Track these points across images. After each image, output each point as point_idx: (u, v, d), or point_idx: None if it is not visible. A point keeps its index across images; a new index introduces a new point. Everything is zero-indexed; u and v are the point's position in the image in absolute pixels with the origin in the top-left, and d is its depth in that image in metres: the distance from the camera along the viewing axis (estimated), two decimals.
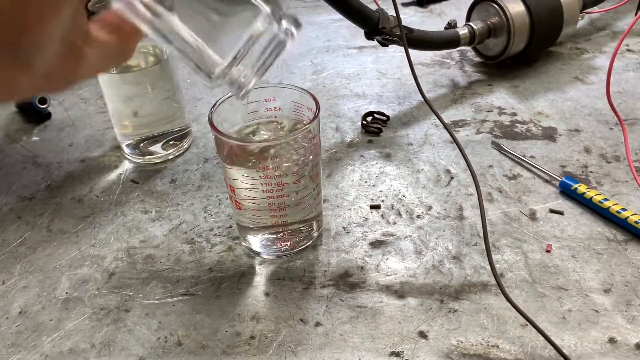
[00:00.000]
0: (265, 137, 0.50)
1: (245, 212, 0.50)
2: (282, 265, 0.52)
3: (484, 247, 0.51)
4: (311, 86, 0.78)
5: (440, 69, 0.79)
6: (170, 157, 0.66)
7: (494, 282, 0.48)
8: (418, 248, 0.52)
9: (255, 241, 0.52)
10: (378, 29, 0.66)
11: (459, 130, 0.67)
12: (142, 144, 0.66)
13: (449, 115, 0.70)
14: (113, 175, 0.65)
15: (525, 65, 0.78)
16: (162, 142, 0.66)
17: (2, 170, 0.65)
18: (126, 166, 0.66)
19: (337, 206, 0.58)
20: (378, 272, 0.50)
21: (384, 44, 0.68)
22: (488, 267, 0.49)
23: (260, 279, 0.51)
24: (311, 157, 0.48)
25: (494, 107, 0.71)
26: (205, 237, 0.56)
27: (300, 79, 0.80)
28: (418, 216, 0.56)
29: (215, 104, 0.48)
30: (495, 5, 0.72)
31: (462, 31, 0.73)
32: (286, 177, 0.47)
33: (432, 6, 0.99)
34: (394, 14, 0.64)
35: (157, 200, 0.61)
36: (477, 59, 0.80)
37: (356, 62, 0.83)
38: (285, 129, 0.50)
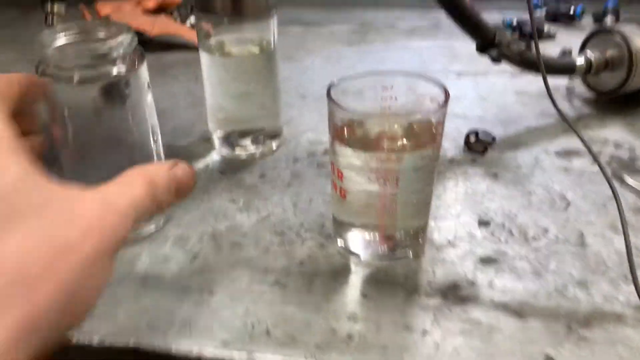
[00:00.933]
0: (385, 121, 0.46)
1: (349, 203, 0.45)
2: (381, 268, 0.47)
3: (613, 277, 0.45)
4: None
5: (545, 100, 0.74)
6: (258, 155, 0.63)
7: (630, 313, 0.41)
8: (536, 269, 0.46)
9: (354, 239, 0.48)
10: (493, 42, 0.62)
11: (571, 160, 0.62)
12: (232, 136, 0.64)
13: (559, 145, 0.64)
14: (200, 164, 0.62)
15: (638, 104, 0.73)
16: (252, 137, 0.64)
17: None
18: (214, 157, 0.64)
19: (441, 218, 0.53)
20: (492, 288, 0.45)
21: (496, 59, 0.64)
22: (621, 297, 0.43)
23: (356, 278, 0.46)
24: (433, 152, 0.44)
25: (608, 141, 0.65)
26: (296, 231, 0.51)
27: None
28: (533, 237, 0.50)
29: (333, 83, 0.44)
30: (617, 37, 0.68)
31: (579, 60, 0.69)
32: (405, 170, 0.42)
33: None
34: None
35: (245, 192, 0.57)
36: (586, 94, 0.75)
37: (455, 86, 0.79)
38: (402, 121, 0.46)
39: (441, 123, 0.43)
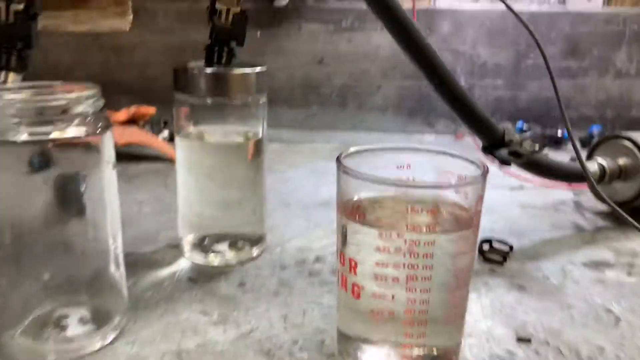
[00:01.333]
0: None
1: (363, 308, 0.35)
2: None
3: None
4: None
5: (555, 213, 0.68)
6: (234, 261, 0.53)
7: None
8: None
9: (369, 354, 0.36)
10: (502, 143, 0.56)
11: (603, 271, 0.53)
12: (206, 240, 0.54)
13: (584, 256, 0.56)
14: (165, 272, 0.51)
15: None
16: (229, 242, 0.54)
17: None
18: (183, 264, 0.53)
19: (469, 334, 0.42)
20: None
21: (505, 161, 0.58)
22: None
23: None
24: (472, 235, 0.35)
25: (637, 253, 0.57)
26: (288, 350, 0.40)
27: None
28: (589, 357, 0.40)
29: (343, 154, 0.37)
30: (629, 144, 0.63)
31: (592, 166, 0.63)
32: (438, 257, 0.33)
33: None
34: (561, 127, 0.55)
35: (220, 302, 0.46)
36: (596, 207, 0.69)
37: None
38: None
39: (479, 197, 0.35)
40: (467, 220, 0.34)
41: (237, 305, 0.45)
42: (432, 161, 0.39)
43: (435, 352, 0.36)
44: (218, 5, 0.50)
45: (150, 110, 0.91)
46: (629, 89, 1.02)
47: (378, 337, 0.36)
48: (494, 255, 0.55)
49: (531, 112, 1.03)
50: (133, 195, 0.71)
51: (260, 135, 0.53)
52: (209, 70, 0.49)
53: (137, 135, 0.85)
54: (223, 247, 0.54)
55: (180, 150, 0.52)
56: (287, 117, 1.06)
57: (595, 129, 0.97)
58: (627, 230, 0.63)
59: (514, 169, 0.61)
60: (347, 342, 0.38)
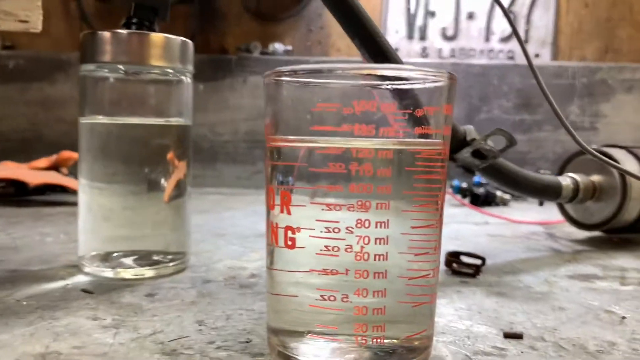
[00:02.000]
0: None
1: (299, 274, 0.25)
2: None
3: None
4: None
5: (527, 241, 0.60)
6: (147, 274, 0.42)
7: None
8: None
9: (309, 352, 0.26)
10: (465, 142, 0.50)
11: (593, 282, 0.45)
12: (114, 254, 0.43)
13: (567, 271, 0.48)
14: (54, 285, 0.40)
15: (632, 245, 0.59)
16: (142, 256, 0.43)
17: None
18: (79, 279, 0.42)
19: (442, 332, 0.32)
20: None
21: (468, 166, 0.51)
22: None
23: None
24: (441, 192, 0.27)
25: (626, 268, 0.49)
26: (200, 349, 0.29)
27: None
28: (600, 351, 0.30)
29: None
30: (604, 162, 0.58)
31: (564, 181, 0.57)
32: (395, 211, 0.25)
33: (485, 209, 0.84)
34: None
35: (118, 310, 0.35)
36: (570, 236, 0.62)
37: None
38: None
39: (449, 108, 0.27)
40: (437, 171, 0.26)
41: (140, 313, 0.34)
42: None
43: (397, 329, 0.26)
44: None
45: (74, 155, 0.81)
46: (586, 142, 0.99)
47: (322, 320, 0.26)
48: (464, 269, 0.46)
49: None
50: (38, 229, 0.60)
51: (184, 122, 0.44)
52: (121, 31, 0.41)
53: (51, 177, 0.75)
54: (134, 260, 0.43)
55: (85, 139, 0.43)
56: (231, 173, 0.98)
57: None
58: (609, 251, 0.56)
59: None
60: (281, 334, 0.27)
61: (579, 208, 0.59)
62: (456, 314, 0.36)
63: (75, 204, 0.76)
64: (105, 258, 0.43)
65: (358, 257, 0.24)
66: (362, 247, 0.24)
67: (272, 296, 0.27)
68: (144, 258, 0.44)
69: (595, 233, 0.62)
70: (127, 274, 0.42)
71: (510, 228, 0.67)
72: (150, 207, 0.43)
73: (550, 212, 0.81)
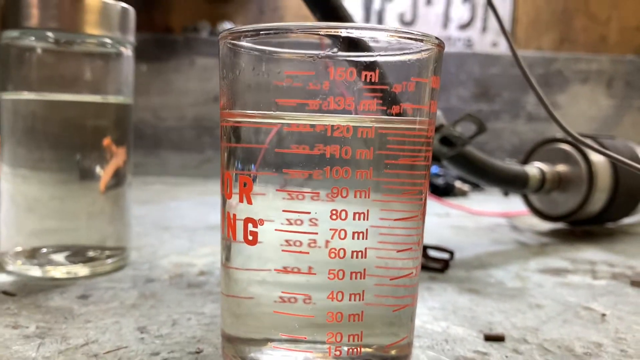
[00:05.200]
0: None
1: (262, 274, 0.21)
2: None
3: None
4: None
5: (492, 233, 0.58)
6: (82, 273, 0.37)
7: None
8: None
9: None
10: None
11: (565, 276, 0.43)
12: (42, 250, 0.38)
13: (537, 265, 0.46)
14: None
15: (598, 237, 0.58)
16: (74, 253, 0.38)
17: None
18: (1, 279, 0.36)
19: (419, 335, 0.29)
20: None
21: (435, 157, 0.48)
22: None
23: None
24: (424, 177, 0.23)
25: (595, 261, 0.48)
26: None
27: None
28: (587, 354, 0.28)
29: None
30: (569, 149, 0.56)
31: (531, 171, 0.54)
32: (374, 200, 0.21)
33: (444, 200, 0.82)
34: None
35: (44, 316, 0.30)
36: (534, 227, 0.60)
37: None
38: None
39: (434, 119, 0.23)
40: (421, 154, 0.23)
41: (70, 319, 0.30)
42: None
43: (376, 352, 0.22)
44: None
45: None
46: (541, 132, 0.99)
47: (287, 327, 0.22)
48: (432, 264, 0.43)
49: None
50: None
51: (123, 100, 0.39)
52: None
53: None
54: (65, 257, 0.38)
55: (6, 119, 0.38)
56: (176, 162, 0.93)
57: None
58: (574, 243, 0.54)
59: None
60: (239, 343, 0.23)
61: (544, 199, 0.58)
62: (430, 314, 0.33)
63: None
64: (32, 254, 0.38)
65: (332, 254, 0.20)
66: (337, 241, 0.20)
67: (228, 298, 0.23)
68: (78, 254, 0.38)
69: (559, 225, 0.61)
70: (57, 272, 0.37)
71: (472, 220, 0.65)
72: (84, 197, 0.38)
73: (510, 203, 0.79)
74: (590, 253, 0.51)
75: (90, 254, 0.39)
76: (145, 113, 0.91)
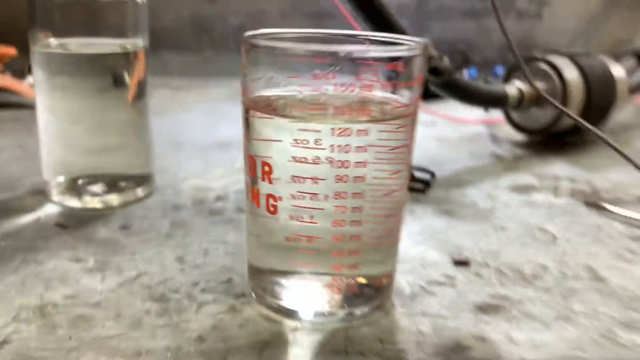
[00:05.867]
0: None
1: (280, 224, 0.27)
2: (337, 333, 0.28)
3: None
4: None
5: (472, 145, 0.64)
6: (116, 202, 0.44)
7: None
8: (561, 313, 0.31)
9: (290, 291, 0.29)
10: None
11: (530, 194, 0.50)
12: (79, 182, 0.44)
13: (508, 182, 0.52)
14: (26, 219, 0.41)
15: (570, 147, 0.64)
16: (108, 183, 0.44)
17: None
18: (49, 209, 0.43)
19: (400, 261, 0.36)
20: (514, 344, 0.28)
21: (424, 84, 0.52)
22: None
23: (302, 353, 0.27)
24: (408, 142, 0.29)
25: (559, 176, 0.54)
26: (186, 293, 0.32)
27: None
28: (534, 276, 0.35)
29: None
30: (547, 67, 0.60)
31: (510, 89, 0.59)
32: (372, 155, 0.26)
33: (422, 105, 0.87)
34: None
35: (97, 248, 0.37)
36: (512, 138, 0.66)
37: None
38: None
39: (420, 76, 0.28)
40: (404, 111, 0.28)
41: (119, 250, 0.37)
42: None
43: (368, 274, 0.30)
44: None
45: (11, 51, 0.77)
46: (530, 30, 1.01)
47: (302, 261, 0.29)
48: (416, 184, 0.49)
49: None
50: None
51: (141, 45, 0.43)
52: None
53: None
54: (101, 188, 0.44)
55: (40, 70, 0.42)
56: (176, 63, 0.95)
57: (499, 71, 0.96)
58: (546, 156, 0.61)
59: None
60: (262, 277, 0.30)
61: (523, 114, 0.63)
62: (410, 239, 0.40)
63: (20, 105, 0.74)
64: (72, 186, 0.44)
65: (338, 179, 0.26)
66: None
67: (256, 238, 0.30)
68: (111, 184, 0.44)
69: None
70: (95, 203, 0.43)
71: (455, 130, 0.70)
72: (116, 108, 0.43)
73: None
74: (557, 167, 0.57)
75: (122, 184, 0.45)
76: None
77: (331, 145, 0.26)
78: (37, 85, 0.42)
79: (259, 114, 0.27)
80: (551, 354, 0.27)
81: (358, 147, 0.26)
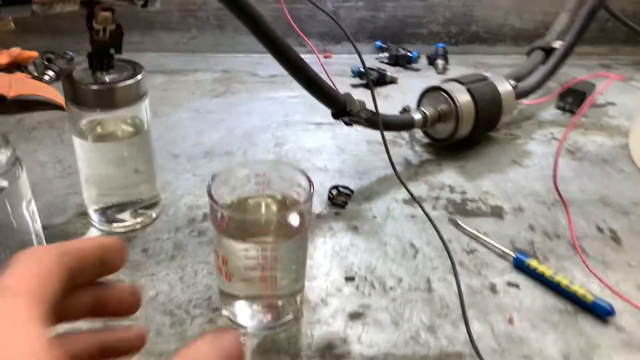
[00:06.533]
0: (261, 211, 0.52)
1: (235, 283, 0.51)
2: (267, 338, 0.53)
3: (455, 318, 0.55)
4: (275, 158, 0.81)
5: (393, 147, 0.86)
6: (139, 226, 0.66)
7: (469, 351, 0.52)
8: (394, 319, 0.56)
9: (240, 311, 0.54)
10: (345, 111, 0.71)
11: (416, 206, 0.72)
12: (109, 211, 0.66)
13: (404, 194, 0.75)
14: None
15: (468, 148, 0.86)
16: (130, 210, 0.67)
17: None
18: (93, 233, 0.66)
19: (314, 278, 0.60)
20: (360, 343, 0.53)
21: (348, 123, 0.73)
22: (461, 337, 0.54)
23: (247, 352, 0.52)
24: (303, 234, 0.51)
25: (445, 185, 0.77)
26: (185, 308, 0.56)
27: (264, 151, 0.83)
28: (391, 288, 0.59)
29: (213, 177, 0.50)
30: (445, 95, 0.80)
31: (417, 116, 0.80)
32: (284, 251, 0.49)
33: (379, 89, 1.06)
34: (367, 100, 0.70)
35: (130, 270, 0.60)
36: (426, 140, 0.88)
37: (315, 137, 0.88)
38: (275, 203, 0.53)
39: (309, 212, 0.50)
40: (304, 227, 0.50)
41: (144, 271, 0.60)
42: (282, 170, 0.53)
43: (285, 299, 0.54)
44: (96, 26, 0.57)
45: (33, 54, 0.95)
46: (470, 6, 1.17)
47: (244, 294, 0.52)
48: (340, 199, 0.72)
49: (388, 30, 1.16)
50: (35, 156, 0.80)
51: (145, 125, 0.63)
52: (94, 87, 0.58)
53: (25, 86, 0.90)
54: (125, 215, 0.67)
55: (80, 149, 0.62)
56: (168, 40, 1.12)
57: (440, 47, 1.13)
58: (442, 161, 0.83)
59: None
60: (225, 298, 0.54)
61: (432, 129, 0.84)
62: (323, 258, 0.63)
63: (45, 104, 0.93)
64: (105, 212, 0.66)
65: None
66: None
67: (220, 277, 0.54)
68: (132, 210, 0.67)
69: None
70: (121, 228, 0.66)
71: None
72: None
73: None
74: (446, 175, 0.79)
75: (140, 209, 0.67)
76: None
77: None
78: (75, 148, 0.63)
79: (221, 235, 0.50)
80: (378, 352, 0.52)
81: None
